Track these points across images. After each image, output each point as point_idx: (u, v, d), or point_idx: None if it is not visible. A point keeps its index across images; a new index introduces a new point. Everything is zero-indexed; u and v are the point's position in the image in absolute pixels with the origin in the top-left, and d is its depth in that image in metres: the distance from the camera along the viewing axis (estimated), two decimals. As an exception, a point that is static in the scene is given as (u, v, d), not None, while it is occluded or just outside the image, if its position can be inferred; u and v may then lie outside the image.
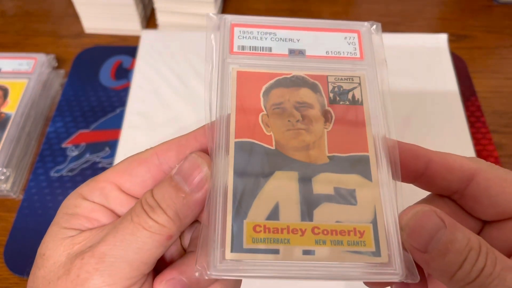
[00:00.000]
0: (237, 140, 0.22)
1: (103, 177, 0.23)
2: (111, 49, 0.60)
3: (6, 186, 0.47)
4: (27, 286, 0.21)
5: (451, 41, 0.58)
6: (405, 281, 0.20)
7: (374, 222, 0.21)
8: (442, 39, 0.57)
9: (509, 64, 0.58)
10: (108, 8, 0.59)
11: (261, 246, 0.20)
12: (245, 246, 0.20)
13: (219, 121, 0.23)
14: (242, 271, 0.20)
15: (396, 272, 0.20)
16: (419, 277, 0.20)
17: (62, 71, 0.58)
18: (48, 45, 0.62)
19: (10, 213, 0.47)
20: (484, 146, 0.50)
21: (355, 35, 0.26)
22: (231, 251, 0.20)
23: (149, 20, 0.64)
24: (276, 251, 0.20)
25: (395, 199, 0.21)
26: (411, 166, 0.23)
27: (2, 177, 0.47)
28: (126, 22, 0.61)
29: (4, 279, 0.43)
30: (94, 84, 0.57)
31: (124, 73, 0.58)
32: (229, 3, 0.65)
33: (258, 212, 0.21)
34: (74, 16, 0.63)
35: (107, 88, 0.56)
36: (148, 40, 0.59)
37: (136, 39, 0.59)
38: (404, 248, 0.20)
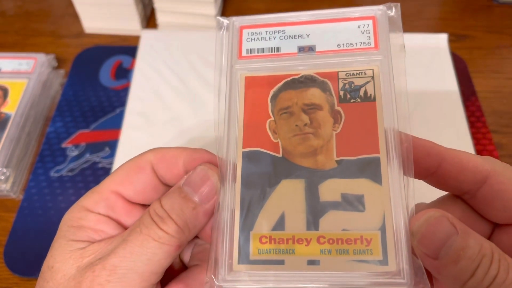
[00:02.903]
0: (244, 150, 0.22)
1: (105, 188, 0.23)
2: (111, 49, 0.60)
3: (6, 186, 0.47)
4: None
5: (451, 41, 0.58)
6: None
7: (383, 229, 0.20)
8: (442, 39, 0.57)
9: (509, 64, 0.58)
10: (108, 8, 0.59)
11: (267, 257, 0.20)
12: (251, 257, 0.21)
13: (225, 162, 0.22)
14: (248, 282, 0.20)
15: (404, 281, 0.19)
16: (429, 285, 0.19)
17: (62, 71, 0.58)
18: (48, 45, 0.62)
19: (10, 213, 0.47)
20: (484, 146, 0.50)
21: (370, 22, 0.24)
22: (238, 263, 0.21)
23: (149, 20, 0.64)
24: (281, 262, 0.20)
25: (406, 203, 0.20)
26: (423, 164, 0.22)
27: (2, 177, 0.47)
28: (126, 22, 0.61)
29: (4, 279, 0.43)
30: (94, 84, 0.57)
31: (124, 73, 0.58)
32: (229, 3, 0.65)
33: (264, 222, 0.21)
34: (74, 16, 0.63)
35: (107, 88, 0.56)
36: (148, 40, 0.58)
37: (136, 39, 0.59)
38: (415, 255, 0.19)
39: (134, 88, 0.54)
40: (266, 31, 0.25)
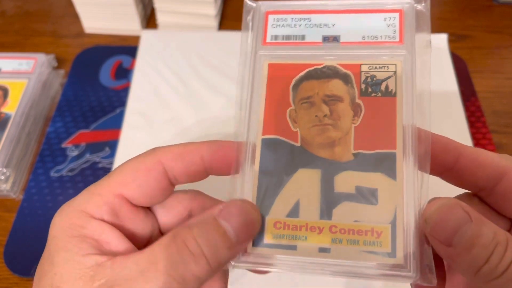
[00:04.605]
0: (264, 137, 0.23)
1: (107, 190, 0.21)
2: (111, 49, 0.60)
3: (6, 186, 0.47)
4: None
5: (451, 41, 0.58)
6: (420, 284, 0.19)
7: (393, 223, 0.20)
8: (442, 39, 0.57)
9: (509, 64, 0.58)
10: (108, 8, 0.59)
11: (280, 241, 0.21)
12: (265, 241, 0.21)
13: (245, 146, 0.23)
14: (262, 265, 0.21)
15: (410, 274, 0.19)
16: (436, 281, 0.19)
17: (62, 71, 0.58)
18: (48, 45, 0.62)
19: (10, 213, 0.47)
20: (484, 146, 0.50)
21: (396, 15, 0.24)
22: (253, 245, 0.21)
23: (149, 20, 0.64)
24: (293, 247, 0.21)
25: (419, 199, 0.21)
26: (441, 159, 0.22)
27: (2, 177, 0.47)
28: (126, 22, 0.61)
29: (4, 279, 0.43)
30: (94, 84, 0.57)
31: (124, 73, 0.58)
32: (229, 3, 0.65)
33: (279, 209, 0.22)
34: (74, 16, 0.63)
35: (107, 88, 0.56)
36: (148, 40, 0.59)
37: (136, 39, 0.59)
38: (428, 244, 0.20)
39: (134, 88, 0.54)
40: (292, 18, 0.25)
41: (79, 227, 0.20)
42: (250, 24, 0.25)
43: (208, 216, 0.20)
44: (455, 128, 0.50)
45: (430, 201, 0.20)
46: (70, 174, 0.49)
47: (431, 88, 0.22)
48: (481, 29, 0.62)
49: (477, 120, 0.52)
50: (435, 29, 0.62)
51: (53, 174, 0.49)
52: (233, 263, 0.21)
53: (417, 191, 0.21)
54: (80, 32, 0.63)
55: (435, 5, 0.66)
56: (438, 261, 0.22)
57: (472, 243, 0.18)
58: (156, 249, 0.19)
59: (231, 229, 0.20)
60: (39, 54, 0.56)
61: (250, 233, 0.21)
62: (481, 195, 0.22)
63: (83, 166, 0.50)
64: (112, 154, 0.50)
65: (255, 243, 0.21)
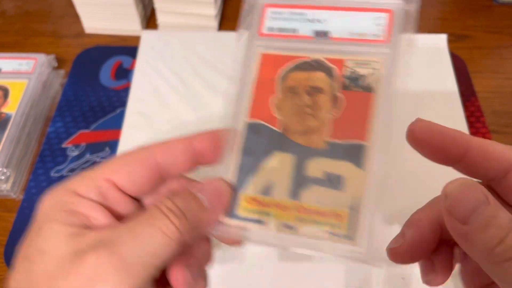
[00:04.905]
0: (250, 121, 0.25)
1: (98, 174, 0.23)
2: (111, 49, 0.60)
3: (6, 186, 0.47)
4: (13, 285, 0.20)
5: (450, 41, 0.58)
6: (368, 264, 0.21)
7: (353, 208, 0.22)
8: (441, 39, 0.57)
9: (509, 64, 0.58)
10: (108, 8, 0.60)
11: (250, 215, 0.23)
12: (238, 214, 0.24)
13: (232, 130, 0.25)
14: (232, 234, 0.23)
15: (362, 257, 0.21)
16: (383, 266, 0.21)
17: (62, 71, 0.58)
18: (48, 45, 0.62)
19: (10, 213, 0.47)
20: (483, 146, 0.50)
21: (386, 15, 0.25)
22: (227, 217, 0.24)
23: (149, 20, 0.64)
24: (261, 222, 0.23)
25: (380, 190, 0.22)
26: (450, 151, 0.22)
27: (2, 177, 0.47)
28: (126, 22, 0.61)
29: (5, 279, 0.43)
30: (94, 84, 0.57)
31: (124, 73, 0.58)
32: (229, 3, 0.65)
33: (254, 186, 0.24)
34: (74, 16, 0.63)
35: (107, 88, 0.56)
36: (148, 40, 0.59)
37: (136, 39, 0.59)
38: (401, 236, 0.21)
39: (134, 88, 0.54)
40: (288, 12, 0.27)
41: (69, 203, 0.22)
42: (248, 15, 0.27)
43: (186, 190, 0.23)
44: (454, 128, 0.50)
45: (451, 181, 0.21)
46: (70, 174, 0.49)
47: (408, 90, 0.24)
48: (481, 29, 0.62)
49: (477, 120, 0.52)
50: (435, 29, 0.62)
51: (53, 174, 0.49)
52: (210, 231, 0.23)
53: (381, 181, 0.22)
54: (80, 32, 0.63)
55: (435, 5, 0.66)
56: (445, 253, 0.23)
57: (489, 223, 0.18)
58: (141, 214, 0.21)
59: (204, 198, 0.22)
60: (39, 54, 0.56)
61: (221, 202, 0.23)
62: (491, 185, 0.23)
63: (83, 166, 0.50)
64: (112, 154, 0.50)
65: (229, 216, 0.23)
